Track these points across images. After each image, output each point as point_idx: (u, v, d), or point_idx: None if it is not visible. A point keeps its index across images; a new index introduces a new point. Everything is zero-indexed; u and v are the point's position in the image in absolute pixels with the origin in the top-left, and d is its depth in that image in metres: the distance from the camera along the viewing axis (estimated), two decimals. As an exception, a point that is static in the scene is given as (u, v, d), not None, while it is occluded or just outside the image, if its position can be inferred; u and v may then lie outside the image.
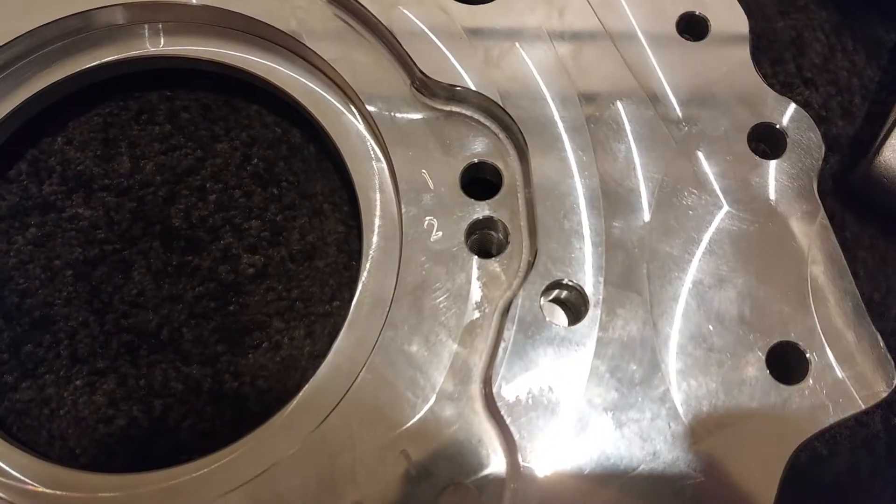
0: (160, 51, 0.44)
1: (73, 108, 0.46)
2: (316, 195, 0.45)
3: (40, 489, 0.37)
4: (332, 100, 0.43)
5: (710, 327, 0.36)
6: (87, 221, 0.44)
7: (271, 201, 0.45)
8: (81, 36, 0.43)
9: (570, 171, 0.38)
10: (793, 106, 0.39)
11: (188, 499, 0.36)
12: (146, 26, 0.44)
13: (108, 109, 0.46)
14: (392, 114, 0.41)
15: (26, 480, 0.37)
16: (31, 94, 0.43)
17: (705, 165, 0.38)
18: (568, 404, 0.35)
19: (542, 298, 0.36)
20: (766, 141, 0.39)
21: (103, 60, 0.44)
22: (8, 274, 0.43)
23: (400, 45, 0.41)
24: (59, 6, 0.42)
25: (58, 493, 0.37)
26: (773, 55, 0.47)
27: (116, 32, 0.44)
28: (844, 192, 0.45)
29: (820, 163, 0.38)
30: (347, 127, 0.42)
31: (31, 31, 0.42)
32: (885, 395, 0.35)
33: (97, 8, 0.42)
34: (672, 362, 0.35)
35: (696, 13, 0.41)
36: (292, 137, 0.46)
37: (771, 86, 0.41)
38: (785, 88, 0.47)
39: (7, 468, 0.37)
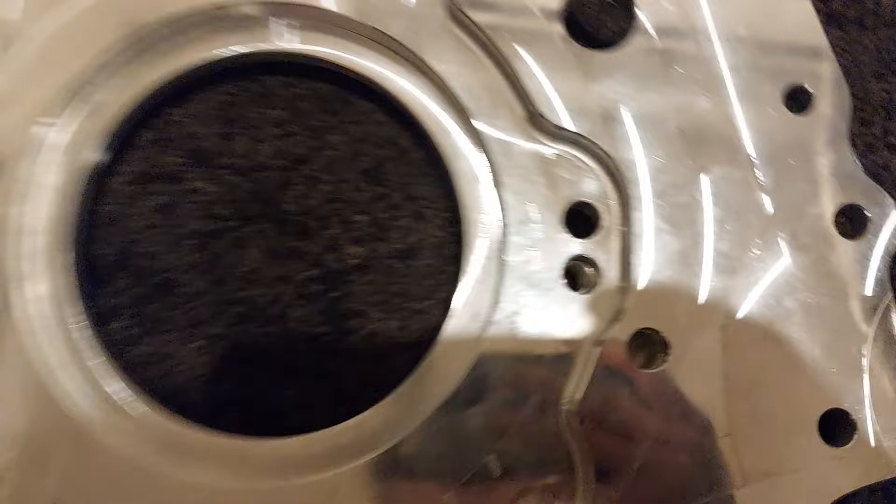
0: (287, 47, 0.46)
1: (195, 83, 0.49)
2: (419, 199, 0.48)
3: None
4: (446, 116, 0.46)
5: (771, 387, 0.41)
6: (206, 196, 0.48)
7: (377, 199, 0.48)
8: (217, 24, 0.46)
9: (664, 224, 0.42)
10: (883, 194, 0.41)
11: (296, 468, 0.42)
12: (276, 20, 0.46)
13: (229, 89, 0.49)
14: (503, 140, 0.44)
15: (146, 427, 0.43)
16: (165, 76, 0.46)
17: (788, 238, 0.41)
18: (639, 439, 0.40)
19: (628, 340, 0.41)
20: (852, 221, 0.42)
21: (234, 50, 0.46)
22: (135, 238, 0.47)
23: (518, 79, 0.43)
24: None
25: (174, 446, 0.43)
26: (863, 115, 0.50)
27: (249, 24, 0.46)
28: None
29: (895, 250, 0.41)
30: (458, 144, 0.45)
31: (163, 20, 0.44)
32: None
33: (235, 3, 0.45)
34: (735, 412, 0.40)
35: (803, 85, 0.43)
36: (402, 140, 0.49)
37: (854, 145, 0.44)
38: (867, 149, 0.50)
39: (130, 413, 0.43)
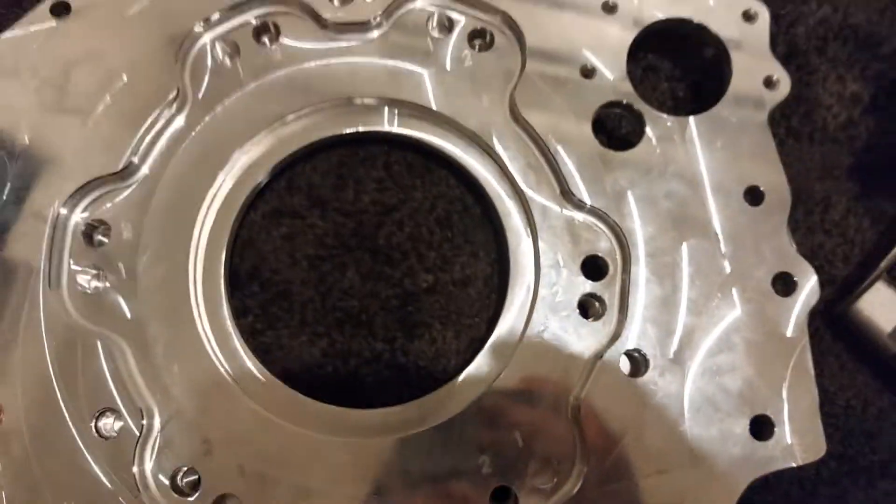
0: (389, 130, 0.64)
1: (319, 147, 0.66)
2: (475, 242, 0.65)
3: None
4: (503, 186, 0.63)
5: (720, 396, 0.57)
6: (321, 230, 0.65)
7: (445, 241, 0.65)
8: (345, 109, 0.63)
9: (652, 277, 0.59)
10: (806, 265, 0.58)
11: (372, 431, 0.58)
12: (386, 109, 0.64)
13: (343, 152, 0.67)
14: (543, 206, 0.61)
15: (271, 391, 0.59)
16: (296, 149, 0.63)
17: (740, 292, 0.58)
18: (623, 426, 0.55)
19: (620, 356, 0.57)
20: (785, 284, 0.58)
21: (354, 129, 0.64)
22: (265, 256, 0.65)
23: (557, 165, 0.60)
24: (332, 89, 0.62)
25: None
26: (807, 206, 0.67)
27: (368, 111, 0.64)
28: (830, 317, 0.65)
29: (811, 305, 0.58)
30: (509, 207, 0.62)
31: (307, 105, 0.62)
32: (815, 459, 0.55)
33: (358, 95, 0.62)
34: (694, 414, 0.56)
35: (758, 187, 0.60)
36: (466, 200, 0.66)
37: (797, 228, 0.61)
38: (808, 232, 0.67)
39: (261, 380, 0.60)
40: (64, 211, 0.57)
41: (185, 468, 0.55)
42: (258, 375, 0.60)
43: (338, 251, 0.65)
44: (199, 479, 0.55)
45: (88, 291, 0.57)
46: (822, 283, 0.64)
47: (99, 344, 0.55)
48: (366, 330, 0.64)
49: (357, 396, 0.62)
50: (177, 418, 0.56)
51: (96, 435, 0.54)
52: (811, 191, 0.68)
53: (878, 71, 0.70)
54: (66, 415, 0.54)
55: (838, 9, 0.71)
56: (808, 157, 0.68)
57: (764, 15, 0.62)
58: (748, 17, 0.62)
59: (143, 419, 0.55)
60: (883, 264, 0.62)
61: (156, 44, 0.60)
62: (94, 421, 0.55)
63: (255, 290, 0.64)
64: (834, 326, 0.65)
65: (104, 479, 0.54)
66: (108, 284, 0.57)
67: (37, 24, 0.59)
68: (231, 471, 0.55)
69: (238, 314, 0.63)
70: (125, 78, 0.59)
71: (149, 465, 0.55)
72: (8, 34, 0.58)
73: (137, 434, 0.55)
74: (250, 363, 0.60)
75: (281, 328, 0.64)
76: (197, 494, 0.55)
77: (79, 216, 0.58)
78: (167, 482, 0.55)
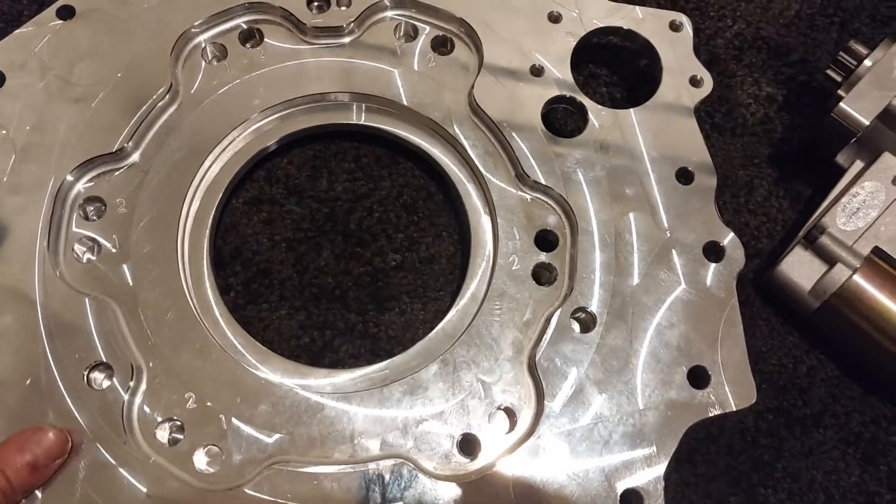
0: (360, 123, 0.71)
1: (295, 143, 0.73)
2: (439, 225, 0.72)
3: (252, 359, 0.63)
4: (464, 172, 0.70)
5: (661, 349, 0.62)
6: (297, 215, 0.72)
7: (411, 224, 0.72)
8: (317, 104, 0.71)
9: (597, 246, 0.65)
10: (731, 234, 0.65)
11: (345, 389, 0.63)
12: (355, 105, 0.71)
13: (317, 147, 0.74)
14: (500, 187, 0.68)
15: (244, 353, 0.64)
16: (276, 139, 0.70)
17: (676, 259, 0.65)
18: (574, 375, 0.62)
19: (571, 316, 0.63)
20: (714, 251, 0.66)
21: (322, 123, 0.71)
22: (247, 239, 0.71)
23: (512, 150, 0.68)
24: (309, 86, 0.70)
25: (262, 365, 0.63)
26: (733, 190, 0.75)
27: (336, 106, 0.71)
28: (759, 285, 0.73)
29: (740, 269, 0.64)
30: (469, 190, 0.69)
31: (286, 100, 0.70)
32: (747, 405, 0.61)
33: (332, 91, 0.70)
34: (637, 364, 0.62)
35: (687, 168, 0.68)
36: (430, 187, 0.73)
37: (726, 209, 0.69)
38: (735, 213, 0.75)
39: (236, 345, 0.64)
40: (70, 178, 0.63)
41: (170, 418, 0.59)
42: (241, 340, 0.64)
43: (313, 234, 0.71)
44: (184, 427, 0.59)
45: (82, 260, 0.63)
46: (750, 256, 0.73)
47: (88, 303, 0.60)
48: (340, 304, 0.70)
49: (333, 364, 0.67)
50: (165, 374, 0.60)
51: (87, 386, 0.59)
52: (736, 177, 0.76)
53: (789, 75, 0.80)
54: (55, 370, 0.58)
55: (751, 24, 0.82)
56: (731, 148, 0.77)
57: (687, 25, 0.72)
58: (674, 26, 0.72)
59: (132, 375, 0.59)
60: (801, 232, 0.69)
61: (151, 44, 0.67)
62: (85, 373, 0.59)
63: (237, 270, 0.70)
64: (762, 293, 0.72)
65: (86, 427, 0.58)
66: (99, 255, 0.63)
67: (45, 24, 0.66)
68: (213, 422, 0.59)
69: (222, 291, 0.68)
70: (123, 73, 0.66)
71: (136, 415, 0.59)
72: (19, 31, 0.66)
73: (128, 385, 0.59)
74: (231, 330, 0.64)
75: (261, 303, 0.69)
76: (180, 442, 0.59)
77: (81, 186, 0.64)
78: (154, 430, 0.59)
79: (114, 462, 0.57)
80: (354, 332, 0.69)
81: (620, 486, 0.58)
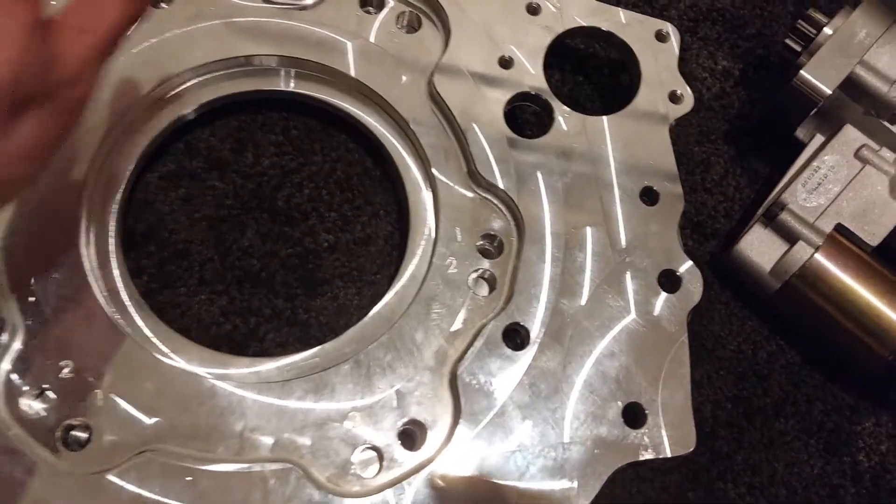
0: (289, 90, 0.65)
1: (218, 112, 0.67)
2: (376, 204, 0.67)
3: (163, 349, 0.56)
4: (411, 159, 0.64)
5: (597, 380, 0.56)
6: (220, 191, 0.65)
7: (345, 202, 0.66)
8: (240, 69, 0.65)
9: (545, 259, 0.59)
10: (690, 264, 0.59)
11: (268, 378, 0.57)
12: (283, 70, 0.65)
13: (242, 118, 0.68)
14: (447, 184, 0.62)
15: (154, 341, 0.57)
16: (196, 106, 0.64)
17: (628, 283, 0.59)
18: (499, 396, 0.55)
19: (503, 331, 0.57)
20: (670, 280, 0.60)
21: (249, 89, 0.65)
22: (163, 217, 0.64)
23: (467, 144, 0.62)
24: (229, 48, 0.64)
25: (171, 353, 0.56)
26: (688, 168, 0.71)
27: (264, 71, 0.65)
28: (717, 266, 0.69)
29: (694, 303, 0.58)
30: (416, 179, 0.63)
31: (204, 63, 0.63)
32: (684, 453, 0.55)
33: (258, 55, 0.64)
34: (568, 392, 0.55)
35: (653, 188, 0.63)
36: (366, 163, 0.67)
37: (683, 187, 0.65)
38: (692, 191, 0.71)
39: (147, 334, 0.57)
40: None
41: (40, 387, 0.53)
42: (149, 326, 0.58)
43: (237, 212, 0.65)
44: (54, 398, 0.53)
45: None
46: (707, 237, 0.69)
47: None
48: (266, 288, 0.63)
49: (257, 354, 0.61)
50: (42, 338, 0.54)
51: None
52: (691, 154, 0.72)
53: (745, 49, 0.77)
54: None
55: (705, -5, 0.78)
56: (687, 124, 0.73)
57: (674, 37, 0.67)
58: (660, 36, 0.67)
59: (2, 331, 0.53)
60: (760, 210, 0.65)
61: None
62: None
63: (150, 251, 0.63)
64: (720, 275, 0.68)
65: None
66: None
67: None
68: (88, 397, 0.53)
69: (133, 275, 0.61)
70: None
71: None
72: None
73: None
74: (140, 316, 0.58)
75: (178, 287, 0.62)
76: (47, 414, 0.52)
77: None
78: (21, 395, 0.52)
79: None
80: (282, 319, 0.63)
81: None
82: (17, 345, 0.53)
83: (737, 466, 0.63)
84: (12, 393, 0.52)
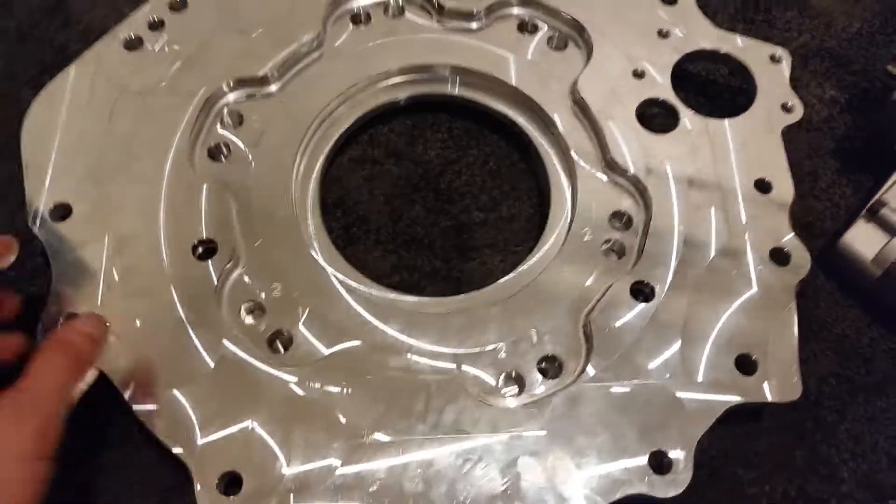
0: (456, 93, 0.81)
1: (397, 112, 0.82)
2: (520, 189, 0.79)
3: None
4: (551, 149, 0.77)
5: (714, 333, 0.65)
6: (395, 175, 0.80)
7: (495, 187, 0.79)
8: (420, 76, 0.81)
9: (671, 232, 0.69)
10: (799, 244, 0.69)
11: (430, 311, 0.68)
12: (451, 77, 0.81)
13: (416, 118, 0.83)
14: (587, 169, 0.74)
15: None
16: (377, 106, 0.80)
17: (745, 258, 0.68)
18: (626, 340, 0.65)
19: (631, 287, 0.69)
20: (780, 256, 0.69)
21: (423, 92, 0.81)
22: (350, 191, 0.79)
23: (605, 138, 0.74)
24: (410, 56, 0.80)
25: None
26: (799, 177, 0.79)
27: (436, 78, 0.81)
28: (824, 261, 0.76)
29: (801, 276, 0.67)
30: (557, 168, 0.76)
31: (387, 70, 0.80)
32: (789, 400, 0.63)
33: (436, 64, 0.80)
34: (690, 342, 0.65)
35: (765, 179, 0.73)
36: (514, 157, 0.81)
37: (794, 194, 0.74)
38: (801, 197, 0.78)
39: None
40: (224, 88, 0.75)
41: (253, 301, 0.67)
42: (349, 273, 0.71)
43: (408, 191, 0.79)
44: (265, 310, 0.66)
45: (218, 159, 0.74)
46: (816, 236, 0.77)
47: (206, 188, 0.70)
48: (428, 251, 0.76)
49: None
50: (260, 264, 0.68)
51: (192, 256, 0.67)
52: (802, 165, 0.81)
53: (851, 82, 0.86)
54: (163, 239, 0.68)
55: (815, 37, 0.89)
56: (797, 141, 0.82)
57: (786, 59, 0.78)
58: (774, 59, 0.79)
59: (230, 258, 0.67)
60: (864, 211, 0.74)
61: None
62: (192, 246, 0.68)
63: (338, 216, 0.78)
64: (826, 269, 0.76)
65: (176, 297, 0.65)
66: (228, 157, 0.74)
67: None
68: (292, 312, 0.66)
69: (327, 231, 0.75)
70: (282, 16, 0.80)
71: (227, 290, 0.67)
72: None
73: (226, 265, 0.67)
74: (327, 256, 0.72)
75: (358, 245, 0.76)
76: (261, 322, 0.66)
77: (229, 97, 0.76)
78: (240, 306, 0.67)
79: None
80: (439, 276, 0.75)
81: (652, 447, 0.60)
82: (241, 269, 0.68)
83: (840, 434, 0.69)
84: (235, 303, 0.67)
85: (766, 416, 0.70)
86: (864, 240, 0.72)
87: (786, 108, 0.75)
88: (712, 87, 0.85)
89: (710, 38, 0.79)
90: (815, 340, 0.73)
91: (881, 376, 0.72)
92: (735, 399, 0.63)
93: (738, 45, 0.79)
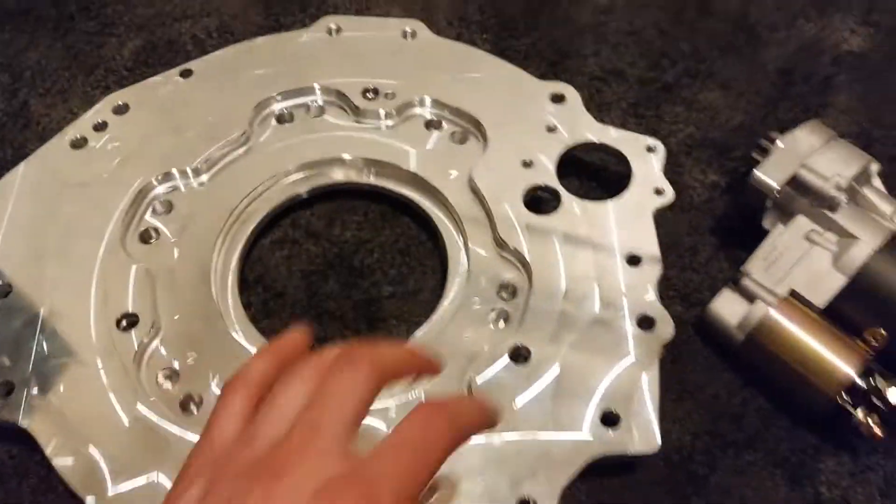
0: (368, 181, 0.90)
1: (320, 197, 0.92)
2: (426, 265, 0.87)
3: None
4: (455, 231, 0.86)
5: (582, 389, 0.74)
6: (313, 253, 0.88)
7: (403, 264, 0.88)
8: (329, 166, 0.91)
9: (550, 301, 0.79)
10: (665, 313, 0.76)
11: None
12: (371, 169, 0.91)
13: (337, 203, 0.92)
14: (478, 248, 0.82)
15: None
16: (294, 195, 0.90)
17: (615, 322, 0.79)
18: (504, 399, 0.74)
19: (510, 350, 0.76)
20: (647, 322, 0.79)
21: (338, 181, 0.91)
22: (269, 269, 0.87)
23: (496, 221, 0.83)
24: (324, 150, 0.90)
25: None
26: (679, 252, 0.89)
27: (348, 166, 0.91)
28: (700, 327, 0.84)
29: (665, 340, 0.77)
30: (457, 244, 0.85)
31: (307, 162, 0.90)
32: (649, 452, 0.70)
33: (353, 157, 0.90)
34: (555, 392, 0.74)
35: (636, 254, 0.83)
36: (421, 236, 0.89)
37: (672, 267, 0.82)
38: (681, 270, 0.87)
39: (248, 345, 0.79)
40: (154, 181, 0.87)
41: (170, 368, 0.75)
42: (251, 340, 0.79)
43: (323, 268, 0.88)
44: (180, 377, 0.75)
45: (144, 241, 0.84)
46: (693, 305, 0.85)
47: (135, 269, 0.80)
48: (339, 322, 0.84)
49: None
50: (177, 335, 0.76)
51: (116, 328, 0.76)
52: (682, 242, 0.90)
53: (731, 167, 0.96)
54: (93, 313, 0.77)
55: (700, 129, 0.99)
56: (678, 220, 0.91)
57: (660, 149, 0.88)
58: (649, 149, 0.88)
59: (151, 328, 0.76)
60: (729, 281, 0.82)
61: (241, 100, 0.92)
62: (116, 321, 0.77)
63: (259, 291, 0.86)
64: (701, 335, 0.84)
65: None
66: (157, 240, 0.83)
67: (170, 78, 0.94)
68: (205, 378, 0.74)
69: (244, 307, 0.83)
70: (213, 117, 0.91)
71: (146, 356, 0.76)
72: (151, 79, 0.94)
73: (147, 335, 0.76)
74: (242, 331, 0.80)
75: (275, 318, 0.84)
76: (174, 387, 0.74)
77: (159, 189, 0.87)
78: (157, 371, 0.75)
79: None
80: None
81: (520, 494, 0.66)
82: (160, 339, 0.76)
83: (710, 487, 0.75)
84: (153, 371, 0.75)
85: (642, 471, 0.75)
86: (728, 307, 0.80)
87: (658, 192, 0.85)
88: (603, 173, 0.95)
89: (593, 130, 0.89)
90: (691, 400, 0.80)
91: (752, 432, 0.78)
92: (599, 451, 0.69)
93: (613, 136, 0.89)
